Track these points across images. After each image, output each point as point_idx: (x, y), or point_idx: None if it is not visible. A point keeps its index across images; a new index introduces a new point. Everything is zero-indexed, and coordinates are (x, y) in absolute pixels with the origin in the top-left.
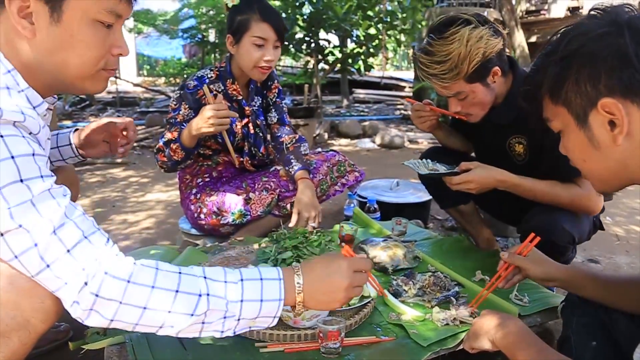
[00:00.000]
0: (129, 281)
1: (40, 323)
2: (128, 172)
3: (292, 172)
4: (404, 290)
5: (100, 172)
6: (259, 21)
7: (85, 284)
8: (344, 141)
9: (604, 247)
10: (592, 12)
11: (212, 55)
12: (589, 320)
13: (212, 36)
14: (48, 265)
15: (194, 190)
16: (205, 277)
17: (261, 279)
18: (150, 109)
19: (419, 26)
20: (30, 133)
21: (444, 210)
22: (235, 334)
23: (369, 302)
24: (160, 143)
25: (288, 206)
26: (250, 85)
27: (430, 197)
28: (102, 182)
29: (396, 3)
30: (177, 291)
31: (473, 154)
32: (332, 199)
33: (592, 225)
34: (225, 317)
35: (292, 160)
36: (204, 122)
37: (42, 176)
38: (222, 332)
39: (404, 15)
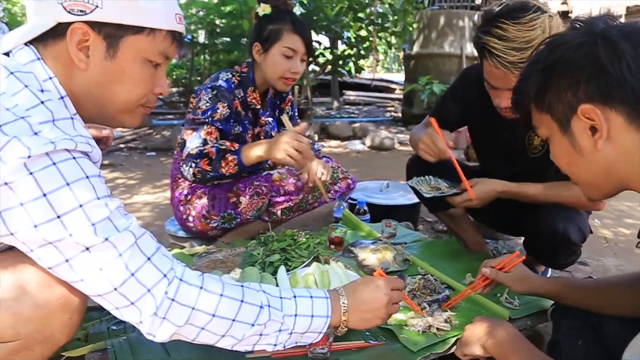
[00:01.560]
0: (201, 288)
1: (64, 337)
2: (114, 173)
3: None
4: None
5: None
6: (291, 32)
7: (166, 291)
8: (334, 143)
9: (593, 250)
10: (574, 24)
11: (202, 57)
12: (579, 323)
13: (201, 37)
14: (132, 274)
15: (185, 191)
16: (264, 292)
17: (311, 297)
18: None
19: (410, 29)
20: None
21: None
22: (285, 348)
23: None
24: (212, 149)
25: (278, 212)
26: (267, 96)
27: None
28: None
29: (387, 5)
30: (242, 301)
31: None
32: None
33: None
34: (280, 330)
35: None
36: (281, 147)
37: (109, 195)
38: (275, 345)
39: (395, 17)
